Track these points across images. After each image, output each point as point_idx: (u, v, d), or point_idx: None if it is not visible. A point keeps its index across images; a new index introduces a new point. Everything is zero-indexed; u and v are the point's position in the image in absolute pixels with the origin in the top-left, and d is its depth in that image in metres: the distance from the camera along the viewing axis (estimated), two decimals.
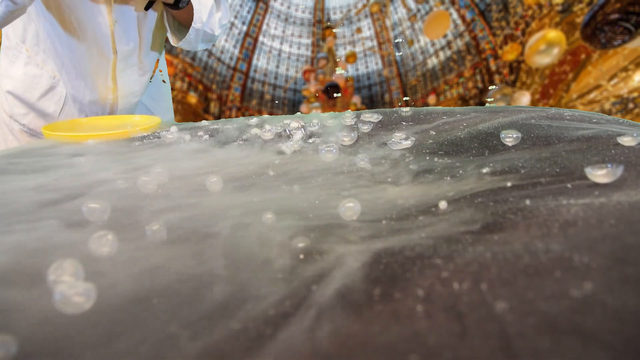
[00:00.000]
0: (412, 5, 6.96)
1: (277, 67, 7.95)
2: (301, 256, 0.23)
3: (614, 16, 3.90)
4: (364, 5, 7.62)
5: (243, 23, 7.48)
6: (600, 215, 0.23)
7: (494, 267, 0.20)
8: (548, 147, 0.37)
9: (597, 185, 0.27)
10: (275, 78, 7.93)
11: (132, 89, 0.84)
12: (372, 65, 7.91)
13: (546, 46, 4.71)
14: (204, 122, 0.65)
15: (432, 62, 6.87)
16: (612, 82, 4.38)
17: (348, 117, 0.54)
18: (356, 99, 7.52)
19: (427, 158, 0.39)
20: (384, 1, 7.32)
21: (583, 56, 4.56)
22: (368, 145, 0.46)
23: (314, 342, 0.17)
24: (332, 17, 7.90)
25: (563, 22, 4.66)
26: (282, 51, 7.97)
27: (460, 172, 0.34)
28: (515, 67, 5.46)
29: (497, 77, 5.77)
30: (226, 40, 7.27)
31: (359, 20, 7.85)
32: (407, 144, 0.42)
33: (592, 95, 4.58)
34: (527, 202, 0.26)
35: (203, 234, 0.27)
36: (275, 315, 0.19)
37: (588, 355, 0.15)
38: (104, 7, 0.72)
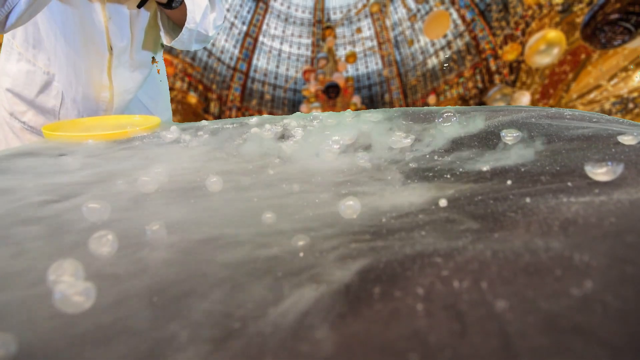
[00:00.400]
0: (412, 5, 6.96)
1: (277, 67, 7.95)
2: (301, 254, 0.23)
3: (614, 16, 3.90)
4: (364, 5, 7.62)
5: (243, 23, 7.48)
6: (600, 213, 0.23)
7: (494, 265, 0.20)
8: (548, 145, 0.37)
9: (597, 183, 0.27)
10: (275, 78, 7.93)
11: (126, 86, 0.84)
12: (372, 65, 7.91)
13: (546, 46, 4.71)
14: (203, 122, 0.65)
15: (432, 62, 6.88)
16: (612, 82, 4.38)
17: (349, 116, 0.54)
18: (356, 99, 7.52)
19: (427, 156, 0.39)
20: (384, 1, 7.32)
21: (583, 56, 4.56)
22: (368, 143, 0.46)
23: (313, 342, 0.17)
24: (332, 17, 7.90)
25: (563, 22, 4.66)
26: (282, 51, 7.97)
27: (460, 170, 0.34)
28: (515, 67, 5.46)
29: (497, 77, 5.77)
30: (226, 40, 7.27)
31: (359, 20, 7.85)
32: (407, 142, 0.42)
33: (592, 95, 4.58)
34: (527, 200, 0.26)
35: (203, 233, 0.27)
36: (275, 315, 0.18)
37: (588, 354, 0.15)
38: (97, 4, 0.72)
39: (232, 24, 7.30)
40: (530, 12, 5.08)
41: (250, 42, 7.63)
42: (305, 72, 7.53)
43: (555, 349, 0.15)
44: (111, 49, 0.77)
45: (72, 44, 0.75)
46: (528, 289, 0.18)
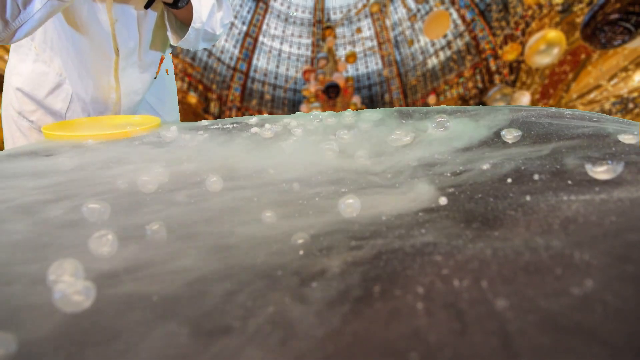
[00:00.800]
0: (412, 5, 6.96)
1: (277, 67, 7.95)
2: (301, 252, 0.23)
3: (614, 16, 3.90)
4: (364, 5, 7.62)
5: (243, 23, 7.48)
6: (600, 212, 0.23)
7: (494, 264, 0.20)
8: (548, 144, 0.37)
9: (597, 181, 0.27)
10: (275, 78, 7.94)
11: (134, 87, 0.84)
12: (372, 65, 7.91)
13: (546, 46, 4.71)
14: (203, 122, 0.65)
15: (432, 62, 6.88)
16: (612, 82, 4.38)
17: (349, 115, 0.54)
18: (356, 99, 7.53)
19: (427, 154, 0.39)
20: (384, 1, 7.32)
21: (583, 56, 4.56)
22: (368, 142, 0.46)
23: (313, 340, 0.17)
24: (332, 17, 7.90)
25: (563, 22, 4.66)
26: (282, 51, 7.98)
27: (461, 168, 0.34)
28: (515, 67, 5.46)
29: (497, 77, 5.77)
30: (226, 40, 7.27)
31: (359, 20, 7.85)
32: (407, 140, 0.42)
33: (592, 95, 4.59)
34: (528, 198, 0.26)
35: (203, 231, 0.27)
36: (275, 313, 0.18)
37: (588, 353, 0.15)
38: (103, 6, 0.72)
39: (232, 24, 7.30)
40: (530, 12, 5.08)
41: (250, 42, 7.64)
42: (305, 72, 7.53)
43: (555, 348, 0.15)
44: (117, 51, 0.78)
45: (81, 47, 0.76)
46: (528, 288, 0.18)
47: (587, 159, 0.31)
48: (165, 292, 0.21)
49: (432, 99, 6.79)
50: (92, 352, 0.17)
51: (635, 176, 0.27)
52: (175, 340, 0.17)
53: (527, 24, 5.12)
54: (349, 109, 0.61)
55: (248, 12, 7.51)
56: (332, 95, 6.98)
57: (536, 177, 0.30)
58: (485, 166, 0.34)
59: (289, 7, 7.69)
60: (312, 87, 7.22)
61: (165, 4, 0.75)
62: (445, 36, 6.46)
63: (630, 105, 4.26)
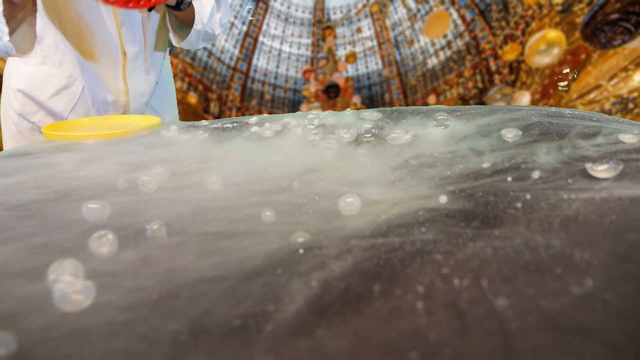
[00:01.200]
0: (412, 5, 6.96)
1: (277, 67, 7.95)
2: (301, 251, 0.23)
3: (614, 16, 3.90)
4: (364, 5, 7.62)
5: (243, 23, 7.48)
6: (601, 211, 0.23)
7: (494, 263, 0.20)
8: (548, 142, 0.37)
9: (597, 180, 0.27)
10: (275, 78, 7.93)
11: (141, 89, 0.86)
12: (372, 65, 7.90)
13: (546, 46, 4.71)
14: (203, 122, 0.65)
15: (432, 62, 6.87)
16: (612, 82, 4.38)
17: (348, 114, 0.54)
18: (356, 99, 7.52)
19: (427, 153, 0.39)
20: (384, 1, 7.31)
21: (583, 56, 4.56)
22: (368, 140, 0.45)
23: (313, 339, 0.17)
24: (332, 17, 7.90)
25: (563, 22, 4.66)
26: (282, 51, 7.97)
27: (461, 166, 0.34)
28: (515, 67, 5.46)
29: (497, 77, 5.77)
30: (226, 40, 7.27)
31: (359, 20, 7.85)
32: (407, 138, 0.42)
33: (592, 95, 4.59)
34: (528, 197, 0.26)
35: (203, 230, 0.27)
36: (274, 312, 0.18)
37: (589, 352, 0.15)
38: (109, 10, 0.73)
39: (232, 24, 7.30)
40: (530, 12, 5.08)
41: (250, 42, 7.63)
42: (305, 72, 7.53)
43: (555, 348, 0.15)
44: (125, 54, 0.79)
45: (89, 53, 0.77)
46: (528, 287, 0.18)
47: (588, 157, 0.31)
48: (165, 292, 0.21)
49: (432, 99, 6.79)
50: (92, 352, 0.17)
51: (636, 175, 0.27)
52: (174, 339, 0.17)
53: (527, 24, 5.12)
54: (349, 109, 0.61)
55: (248, 12, 7.51)
56: (332, 95, 6.98)
57: (536, 175, 0.30)
58: (485, 164, 0.34)
59: (289, 7, 7.69)
60: (312, 87, 7.21)
61: (168, 6, 0.76)
62: (445, 36, 6.46)
63: (630, 105, 4.26)
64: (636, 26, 3.81)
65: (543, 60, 4.83)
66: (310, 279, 0.20)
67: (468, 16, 6.11)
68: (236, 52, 7.48)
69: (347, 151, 0.44)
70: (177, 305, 0.20)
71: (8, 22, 0.61)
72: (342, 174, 0.36)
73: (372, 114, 0.55)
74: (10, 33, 0.63)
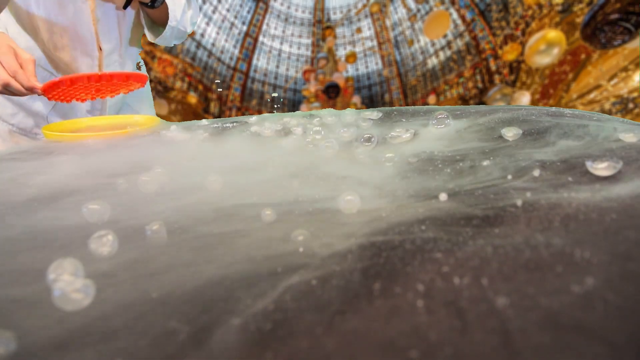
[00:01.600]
0: (412, 5, 6.96)
1: (277, 67, 7.95)
2: (300, 249, 0.23)
3: (614, 16, 3.90)
4: (364, 5, 7.62)
5: (243, 23, 7.48)
6: (601, 209, 0.23)
7: (494, 261, 0.20)
8: (549, 141, 0.37)
9: (598, 178, 0.27)
10: (275, 78, 7.93)
11: None
12: (372, 65, 7.91)
13: (546, 46, 4.71)
14: (203, 121, 0.65)
15: (432, 62, 6.88)
16: (612, 82, 4.38)
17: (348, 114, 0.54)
18: (356, 99, 7.53)
19: (427, 151, 0.39)
20: (384, 1, 7.32)
21: (583, 56, 4.56)
22: (367, 139, 0.45)
23: (313, 339, 0.17)
24: (332, 17, 7.90)
25: (563, 22, 4.66)
26: (282, 51, 7.97)
27: (460, 164, 0.34)
28: (515, 67, 5.47)
29: (497, 77, 5.77)
30: (226, 40, 7.27)
31: (359, 20, 7.85)
32: (407, 137, 0.42)
33: (592, 95, 4.59)
34: (528, 195, 0.26)
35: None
36: (274, 310, 0.18)
37: (589, 351, 0.15)
38: (87, 6, 0.75)
39: (232, 24, 7.30)
40: (530, 12, 5.08)
41: (250, 42, 7.63)
42: (305, 72, 7.53)
43: (555, 347, 0.15)
44: (101, 50, 0.81)
45: (65, 50, 0.78)
46: (528, 286, 0.18)
47: (588, 155, 0.31)
48: (165, 291, 0.21)
49: (432, 99, 6.79)
50: (91, 351, 0.17)
51: (636, 173, 0.27)
52: (174, 337, 0.17)
53: (527, 24, 5.12)
54: (349, 109, 0.61)
55: (248, 12, 7.51)
56: (332, 95, 6.98)
57: (536, 173, 0.30)
58: (486, 162, 0.33)
59: (289, 7, 7.69)
60: (312, 87, 7.22)
61: (142, 3, 0.79)
62: (445, 36, 6.46)
63: (630, 105, 4.26)
64: (636, 26, 3.81)
65: (543, 60, 4.83)
66: (310, 277, 0.20)
67: (468, 16, 6.11)
68: (236, 52, 7.48)
69: (347, 150, 0.43)
70: (178, 304, 0.20)
71: None
72: (342, 173, 0.36)
73: (372, 113, 0.55)
74: None
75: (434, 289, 0.18)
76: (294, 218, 0.28)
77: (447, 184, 0.31)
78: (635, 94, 4.19)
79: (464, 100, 6.27)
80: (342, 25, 7.85)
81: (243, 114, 7.13)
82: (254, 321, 0.18)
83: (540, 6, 4.92)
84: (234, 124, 0.61)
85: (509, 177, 0.30)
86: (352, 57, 7.50)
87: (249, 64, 7.67)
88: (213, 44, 7.05)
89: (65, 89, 0.62)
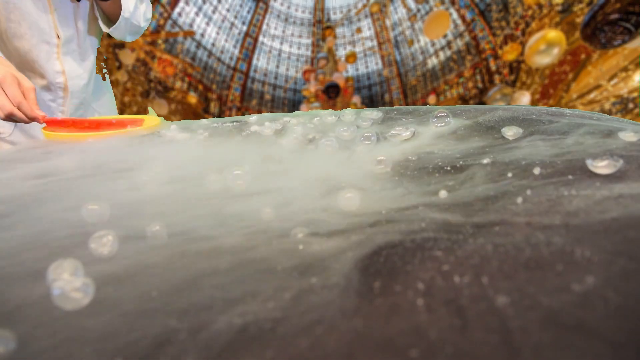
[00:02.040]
0: (412, 5, 6.96)
1: (277, 67, 7.95)
2: (300, 247, 0.23)
3: (614, 16, 3.90)
4: (364, 5, 7.62)
5: (243, 23, 7.48)
6: (601, 207, 0.23)
7: (494, 259, 0.20)
8: (549, 140, 0.37)
9: (598, 177, 0.27)
10: (275, 78, 7.93)
11: (77, 71, 0.90)
12: (372, 65, 7.91)
13: (546, 46, 4.71)
14: (203, 121, 0.65)
15: (432, 62, 6.87)
16: (612, 82, 4.38)
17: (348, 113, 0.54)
18: (356, 99, 7.53)
19: (427, 149, 0.39)
20: (384, 1, 7.32)
21: (583, 56, 4.56)
22: (367, 138, 0.45)
23: (313, 338, 0.17)
24: (332, 17, 7.90)
25: (563, 22, 4.66)
26: (282, 51, 7.97)
27: (461, 162, 0.34)
28: (515, 67, 5.47)
29: (497, 77, 5.77)
30: (226, 40, 7.27)
31: (359, 20, 7.85)
32: (407, 135, 0.42)
33: (592, 95, 4.59)
34: (528, 193, 0.26)
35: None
36: (274, 309, 0.18)
37: (589, 349, 0.15)
38: None
39: (232, 24, 7.30)
40: (530, 12, 5.08)
41: (250, 42, 7.63)
42: (305, 72, 7.53)
43: (556, 345, 0.15)
44: (59, 37, 0.84)
45: (23, 39, 0.81)
46: (529, 284, 0.18)
47: (588, 154, 0.31)
48: (165, 290, 0.21)
49: (432, 99, 6.79)
50: (91, 350, 0.17)
51: (636, 172, 0.27)
52: (174, 336, 0.17)
53: (527, 24, 5.12)
54: (349, 108, 0.61)
55: (248, 12, 7.51)
56: (332, 95, 6.98)
57: (537, 172, 0.29)
58: (486, 160, 0.33)
59: (289, 7, 7.69)
60: (312, 87, 7.21)
61: None
62: (445, 36, 6.47)
63: (630, 105, 4.26)
64: (636, 26, 3.81)
65: (543, 60, 4.83)
66: (310, 275, 0.20)
67: (468, 16, 6.11)
68: (236, 52, 7.48)
69: (347, 149, 0.43)
70: (177, 303, 0.20)
71: None
72: (341, 172, 0.36)
73: (372, 113, 0.55)
74: None
75: (434, 287, 0.18)
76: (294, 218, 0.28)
77: (446, 181, 0.31)
78: (635, 94, 4.19)
79: (464, 100, 6.27)
80: (342, 25, 7.85)
81: (243, 114, 7.13)
82: (257, 321, 0.18)
83: (540, 6, 4.92)
84: (234, 123, 0.61)
85: (509, 174, 0.30)
86: (352, 57, 7.50)
87: (249, 64, 7.67)
88: (213, 44, 7.05)
89: (64, 128, 0.65)
